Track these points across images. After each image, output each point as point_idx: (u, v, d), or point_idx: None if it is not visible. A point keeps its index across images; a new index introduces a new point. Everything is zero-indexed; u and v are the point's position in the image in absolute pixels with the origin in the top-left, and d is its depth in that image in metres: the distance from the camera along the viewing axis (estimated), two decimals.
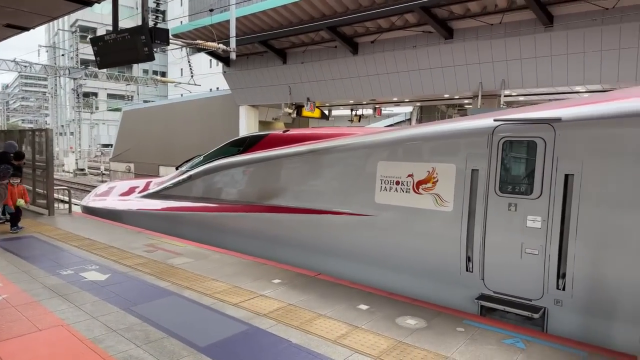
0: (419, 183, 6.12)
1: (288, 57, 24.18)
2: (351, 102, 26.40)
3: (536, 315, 5.06)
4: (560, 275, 5.03)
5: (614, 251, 4.68)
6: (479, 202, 5.61)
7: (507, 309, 5.30)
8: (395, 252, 6.39)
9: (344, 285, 6.26)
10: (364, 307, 5.42)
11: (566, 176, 4.99)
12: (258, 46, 23.92)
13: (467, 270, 5.72)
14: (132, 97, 62.92)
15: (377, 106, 27.95)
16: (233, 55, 16.51)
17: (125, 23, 12.11)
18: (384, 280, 6.48)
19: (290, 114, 25.08)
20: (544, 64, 16.47)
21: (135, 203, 11.59)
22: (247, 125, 28.02)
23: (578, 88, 17.56)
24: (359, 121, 29.77)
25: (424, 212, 6.07)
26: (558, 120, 5.05)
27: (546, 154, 5.13)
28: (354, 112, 29.83)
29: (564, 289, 5.00)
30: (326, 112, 28.00)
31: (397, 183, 6.35)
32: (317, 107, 25.19)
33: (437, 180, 5.97)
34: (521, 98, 21.41)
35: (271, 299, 5.66)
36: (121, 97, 64.69)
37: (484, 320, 5.18)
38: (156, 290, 5.94)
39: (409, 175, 6.24)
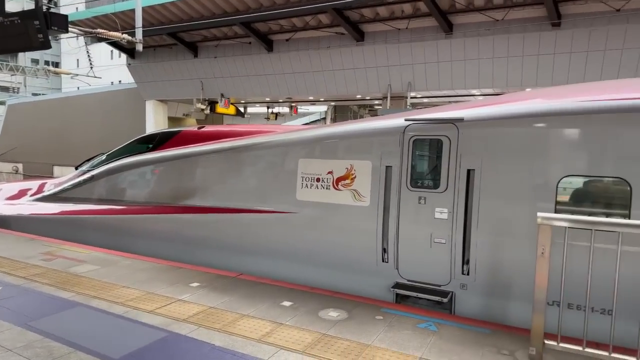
0: (339, 179, 6.31)
1: (200, 50, 23.31)
2: (267, 99, 26.25)
3: (445, 300, 5.50)
4: (465, 261, 5.52)
5: (509, 238, 5.26)
6: (392, 197, 5.95)
7: (420, 295, 5.70)
8: (317, 248, 6.52)
9: (266, 284, 6.24)
10: (287, 303, 5.46)
11: (468, 171, 5.49)
12: (166, 38, 22.75)
13: (383, 261, 6.03)
14: (18, 89, 56.07)
15: (293, 104, 28.14)
16: (139, 47, 15.48)
17: (9, 6, 10.75)
18: (306, 276, 6.57)
19: (203, 110, 24.21)
20: (445, 68, 17.90)
21: (27, 207, 10.38)
22: (155, 121, 26.49)
23: (474, 91, 19.36)
24: (276, 119, 29.72)
25: (343, 207, 6.27)
26: (461, 120, 5.53)
27: (451, 151, 5.59)
28: (270, 110, 29.71)
29: (468, 274, 5.50)
30: (242, 109, 27.50)
31: (318, 180, 6.48)
32: (231, 103, 24.64)
33: (355, 177, 6.20)
34: (425, 100, 22.99)
35: (190, 303, 5.46)
36: (4, 89, 57.35)
37: (400, 307, 5.51)
38: (58, 302, 5.40)
39: (329, 172, 6.40)
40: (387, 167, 6.02)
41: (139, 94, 26.75)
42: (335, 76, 20.35)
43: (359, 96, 22.65)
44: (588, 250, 3.96)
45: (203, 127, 9.19)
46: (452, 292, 5.61)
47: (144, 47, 16.44)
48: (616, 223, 4.13)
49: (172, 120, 28.01)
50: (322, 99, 25.61)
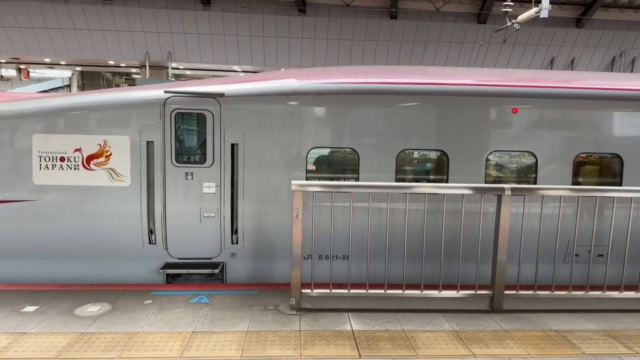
0: (90, 158, 5.55)
1: None
2: None
3: (216, 271, 5.66)
4: (234, 231, 5.77)
5: (271, 205, 5.74)
6: (157, 174, 5.64)
7: (191, 271, 5.68)
8: (68, 239, 5.63)
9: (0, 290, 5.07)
10: (31, 308, 4.58)
11: (232, 145, 5.68)
12: None
13: (150, 243, 5.71)
14: None
15: (22, 67, 22.90)
16: None
17: None
18: (57, 273, 5.63)
19: None
20: (206, 41, 17.74)
21: None
22: None
23: (235, 67, 19.91)
24: None
25: (98, 189, 5.58)
26: (222, 95, 5.62)
27: (214, 125, 5.64)
28: None
29: (237, 243, 5.77)
30: None
31: (62, 159, 5.53)
32: None
33: (110, 154, 5.57)
34: (188, 72, 22.38)
35: None
36: None
37: (170, 287, 5.37)
38: None
39: (76, 150, 5.53)
40: (148, 142, 5.63)
41: None
42: (79, 36, 17.54)
43: (111, 62, 20.21)
44: (332, 208, 4.70)
45: None
46: (223, 262, 5.80)
47: None
48: (350, 185, 5.04)
49: None
50: (64, 63, 21.74)
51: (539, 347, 3.97)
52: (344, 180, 5.93)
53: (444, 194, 4.78)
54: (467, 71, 8.25)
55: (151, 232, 5.70)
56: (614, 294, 4.80)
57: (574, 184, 5.98)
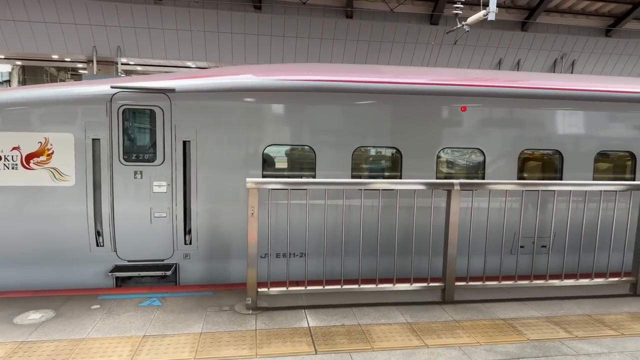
0: (30, 157, 5.22)
1: None
2: None
3: (169, 273, 5.48)
4: (187, 231, 5.61)
5: (226, 204, 5.64)
6: (104, 173, 5.39)
7: (142, 273, 5.47)
8: (7, 243, 5.27)
9: None
10: None
11: (184, 143, 5.52)
12: None
13: (98, 246, 5.46)
14: None
15: None
16: None
17: None
18: None
19: None
20: (158, 36, 17.16)
21: None
22: None
23: (189, 63, 19.40)
24: None
25: (40, 190, 5.26)
26: (172, 90, 5.45)
27: (165, 122, 5.46)
28: None
29: (190, 244, 5.62)
30: None
31: None
32: None
33: (52, 152, 5.26)
34: (139, 68, 21.58)
35: None
36: None
37: (120, 291, 5.15)
38: None
39: (14, 148, 5.19)
40: (94, 139, 5.37)
41: None
42: (18, 28, 16.48)
43: (55, 57, 19.14)
44: (289, 206, 4.67)
45: None
46: (176, 263, 5.64)
47: None
48: (306, 182, 5.04)
49: None
50: (2, 56, 20.36)
51: (487, 335, 4.13)
52: (302, 178, 5.92)
53: (397, 190, 4.87)
54: (420, 70, 8.48)
55: (98, 234, 5.45)
56: (556, 282, 5.08)
57: (519, 179, 6.27)
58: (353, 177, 5.87)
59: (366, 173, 6.15)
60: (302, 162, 6.00)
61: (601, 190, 5.12)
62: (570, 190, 5.16)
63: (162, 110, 5.44)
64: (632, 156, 6.54)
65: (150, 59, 18.21)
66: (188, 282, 5.67)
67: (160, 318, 4.33)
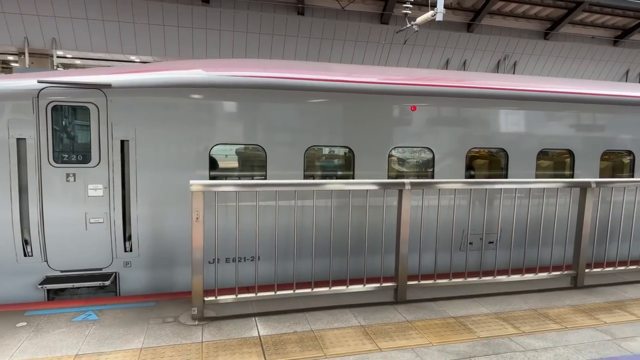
0: None
1: None
2: None
3: (107, 282, 5.08)
4: (127, 238, 5.23)
5: (170, 207, 5.30)
6: (30, 176, 4.90)
7: (77, 284, 5.04)
8: None
9: None
10: None
11: (122, 142, 5.13)
12: None
13: (25, 256, 4.97)
14: None
15: None
16: None
17: None
18: None
19: None
20: (97, 27, 16.14)
21: None
22: None
23: (133, 57, 18.43)
24: None
25: None
26: (108, 86, 5.04)
27: (100, 120, 5.05)
28: None
29: (131, 251, 5.24)
30: None
31: None
32: None
33: None
34: (78, 62, 20.26)
35: None
36: None
37: (51, 305, 4.70)
38: None
39: None
40: (19, 139, 4.87)
41: None
42: None
43: None
44: (238, 208, 4.43)
45: None
46: (116, 272, 5.25)
47: None
48: (256, 184, 4.81)
49: None
50: None
51: (439, 335, 4.12)
52: (252, 179, 5.69)
53: (350, 190, 4.78)
54: (371, 69, 8.46)
55: (26, 242, 4.96)
56: (503, 278, 5.19)
57: (467, 177, 6.39)
58: (305, 177, 5.72)
59: (319, 172, 6.03)
60: (252, 162, 5.77)
61: (543, 188, 5.29)
62: (516, 188, 5.29)
63: (97, 107, 5.02)
64: (571, 153, 6.85)
65: (89, 52, 17.09)
66: (129, 292, 5.30)
67: (96, 334, 3.97)
